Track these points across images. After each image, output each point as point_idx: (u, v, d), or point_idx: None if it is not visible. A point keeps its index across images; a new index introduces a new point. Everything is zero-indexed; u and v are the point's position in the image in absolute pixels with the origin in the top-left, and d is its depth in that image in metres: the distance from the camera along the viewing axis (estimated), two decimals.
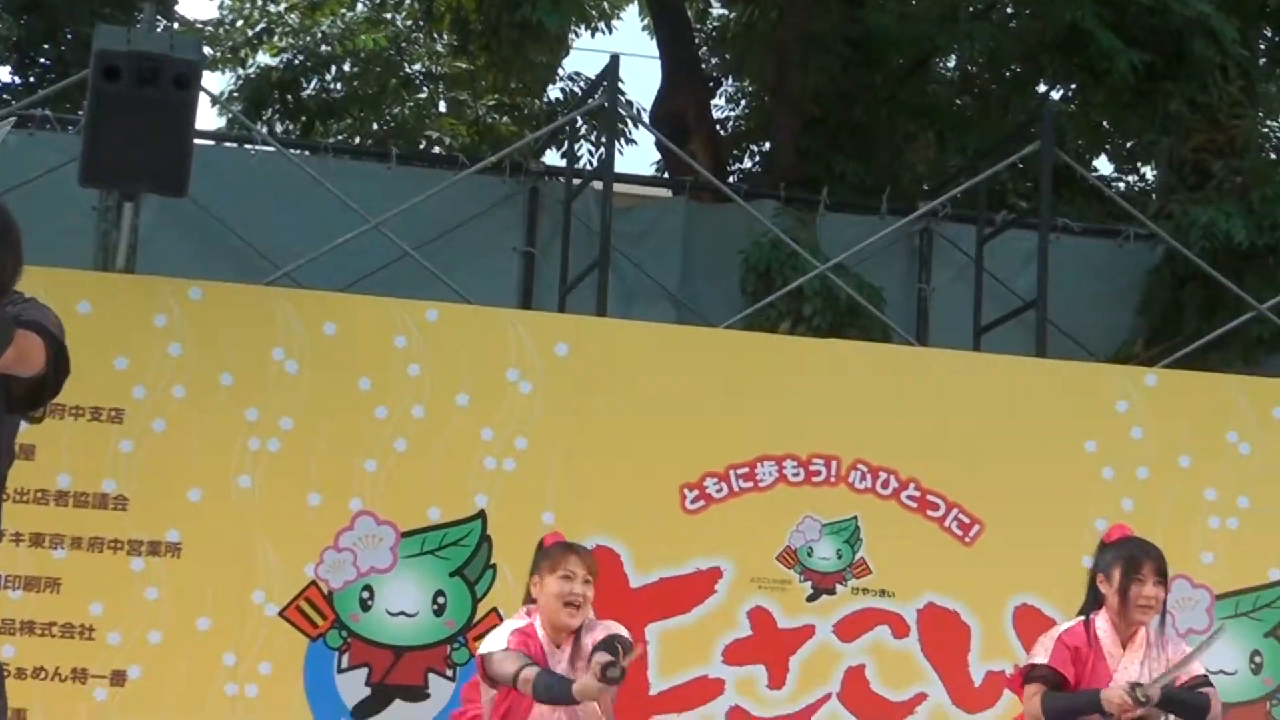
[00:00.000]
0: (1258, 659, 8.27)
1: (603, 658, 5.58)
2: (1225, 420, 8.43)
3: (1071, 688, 5.85)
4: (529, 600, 5.95)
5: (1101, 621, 5.96)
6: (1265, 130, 12.10)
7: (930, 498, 8.17)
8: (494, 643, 5.83)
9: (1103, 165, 13.06)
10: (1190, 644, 8.09)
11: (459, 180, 9.91)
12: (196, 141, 8.24)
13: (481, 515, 7.79)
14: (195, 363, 7.65)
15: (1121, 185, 12.85)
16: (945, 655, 8.03)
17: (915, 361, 8.71)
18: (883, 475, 8.15)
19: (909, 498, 8.17)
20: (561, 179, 11.04)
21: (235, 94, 13.86)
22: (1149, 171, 12.77)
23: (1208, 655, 6.08)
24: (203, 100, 8.38)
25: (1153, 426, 8.37)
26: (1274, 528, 8.33)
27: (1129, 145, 12.65)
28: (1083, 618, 6.00)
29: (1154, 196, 11.68)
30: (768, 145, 13.02)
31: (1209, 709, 5.83)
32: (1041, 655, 5.92)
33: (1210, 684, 5.91)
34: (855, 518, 8.09)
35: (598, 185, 10.11)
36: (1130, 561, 5.92)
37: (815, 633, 7.97)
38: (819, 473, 8.11)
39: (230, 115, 13.20)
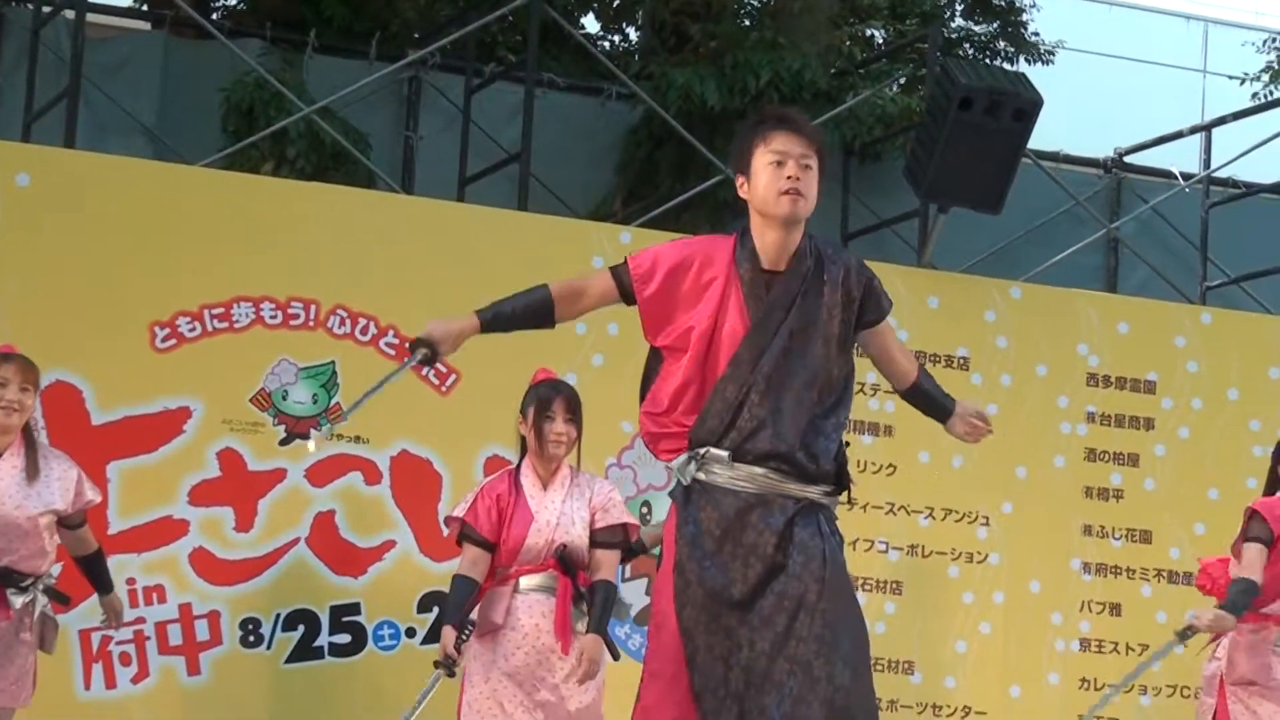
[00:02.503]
0: None
1: None
2: None
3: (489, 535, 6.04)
4: None
5: (525, 466, 6.17)
6: None
7: (409, 345, 8.16)
8: None
9: (590, 24, 13.22)
10: (652, 499, 8.45)
11: None
12: None
13: None
14: None
15: (607, 44, 13.05)
16: (415, 503, 8.09)
17: (399, 209, 8.67)
18: (362, 321, 8.12)
19: (387, 345, 8.17)
20: (29, 5, 10.44)
21: None
22: (633, 32, 13.01)
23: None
24: None
25: None
26: None
27: (615, 5, 12.82)
28: (511, 466, 6.21)
29: (636, 57, 11.90)
30: None
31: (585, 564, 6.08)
32: (461, 508, 6.10)
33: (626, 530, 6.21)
34: (333, 363, 8.05)
35: (70, 14, 9.61)
36: (541, 401, 6.16)
37: (286, 476, 7.91)
38: (297, 316, 8.01)
39: None
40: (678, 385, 4.35)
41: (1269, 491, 6.65)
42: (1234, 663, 6.50)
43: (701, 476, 4.29)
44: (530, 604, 6.01)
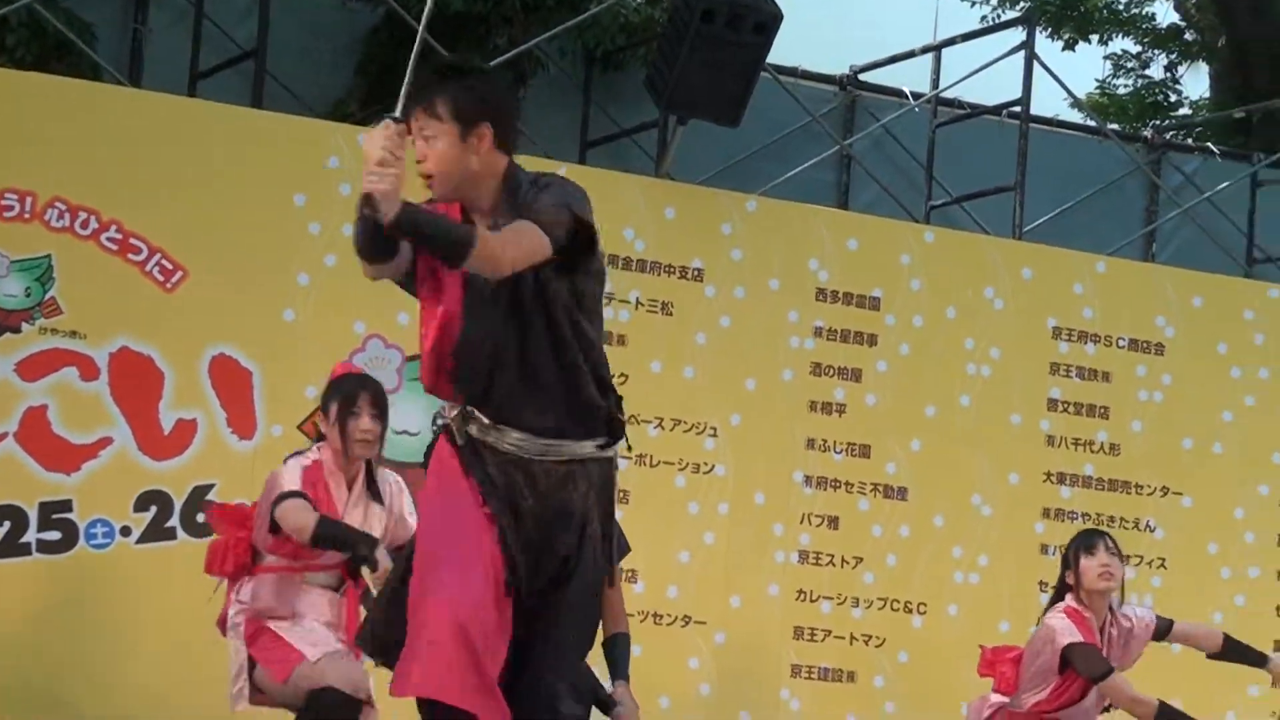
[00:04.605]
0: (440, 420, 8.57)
1: None
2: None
3: None
4: None
5: (329, 463, 5.92)
6: None
7: (133, 241, 8.04)
8: None
9: None
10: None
11: None
12: None
13: None
14: None
15: None
16: (135, 401, 7.95)
17: (125, 103, 8.46)
18: (83, 215, 7.94)
19: (110, 240, 8.00)
20: None
21: None
22: None
23: None
24: None
25: (360, 183, 8.45)
26: None
27: None
28: (313, 457, 5.94)
29: None
30: None
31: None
32: (292, 484, 5.79)
33: None
34: (49, 256, 7.86)
35: None
36: (346, 396, 5.89)
37: None
38: (11, 208, 7.81)
39: None
40: None
41: (1058, 596, 6.57)
42: None
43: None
44: (316, 598, 5.88)
